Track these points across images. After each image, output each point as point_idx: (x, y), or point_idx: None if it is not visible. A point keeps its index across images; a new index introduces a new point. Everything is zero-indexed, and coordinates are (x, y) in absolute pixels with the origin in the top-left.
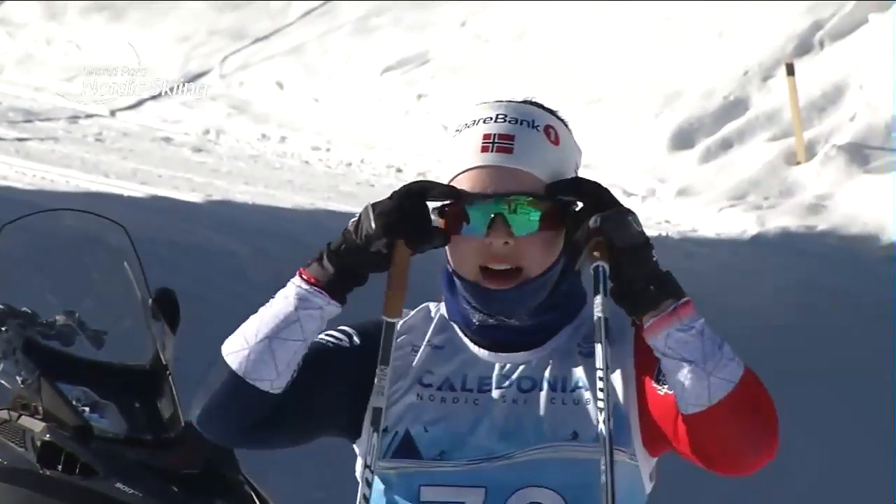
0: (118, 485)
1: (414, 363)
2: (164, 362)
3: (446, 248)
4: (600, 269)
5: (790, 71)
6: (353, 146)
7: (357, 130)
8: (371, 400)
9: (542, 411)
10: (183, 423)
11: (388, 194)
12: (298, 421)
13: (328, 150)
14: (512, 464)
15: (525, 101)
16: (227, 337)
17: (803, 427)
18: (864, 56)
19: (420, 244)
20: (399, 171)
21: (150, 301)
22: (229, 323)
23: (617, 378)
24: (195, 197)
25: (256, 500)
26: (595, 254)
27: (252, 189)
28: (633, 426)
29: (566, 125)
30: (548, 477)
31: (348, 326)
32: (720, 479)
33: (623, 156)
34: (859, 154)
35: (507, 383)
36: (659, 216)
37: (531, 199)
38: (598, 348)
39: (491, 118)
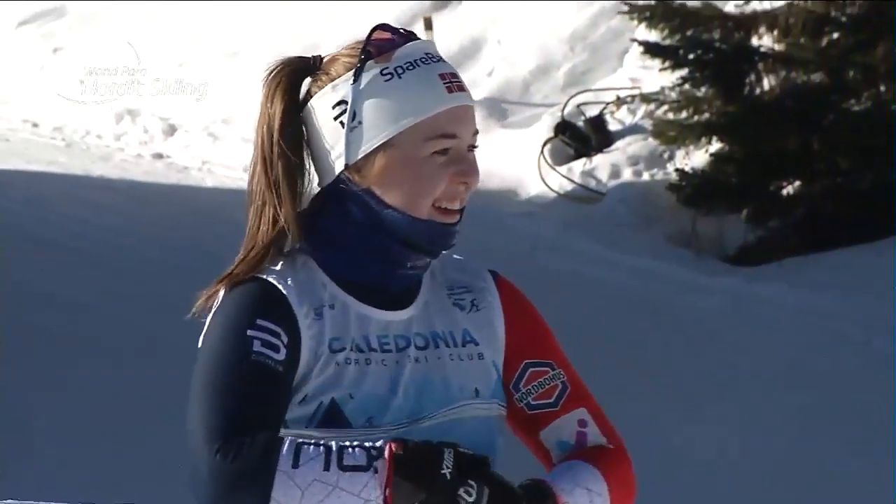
0: None
1: (325, 331)
2: None
3: (362, 191)
4: None
5: (428, 25)
6: None
7: None
8: None
9: (446, 369)
10: None
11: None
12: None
13: None
14: (433, 425)
15: (410, 34)
16: None
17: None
18: (501, 10)
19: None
20: (35, 125)
21: None
22: None
23: (491, 333)
24: None
25: None
26: None
27: None
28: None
29: None
30: (464, 436)
31: (265, 322)
32: None
33: None
34: (497, 109)
35: (403, 342)
36: None
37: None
38: None
39: (424, 59)
